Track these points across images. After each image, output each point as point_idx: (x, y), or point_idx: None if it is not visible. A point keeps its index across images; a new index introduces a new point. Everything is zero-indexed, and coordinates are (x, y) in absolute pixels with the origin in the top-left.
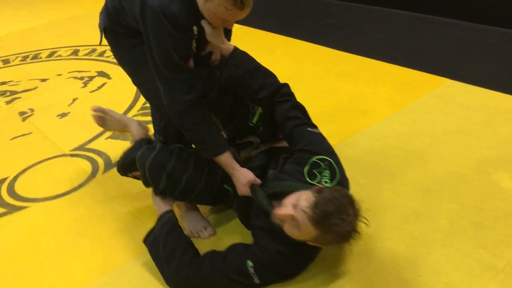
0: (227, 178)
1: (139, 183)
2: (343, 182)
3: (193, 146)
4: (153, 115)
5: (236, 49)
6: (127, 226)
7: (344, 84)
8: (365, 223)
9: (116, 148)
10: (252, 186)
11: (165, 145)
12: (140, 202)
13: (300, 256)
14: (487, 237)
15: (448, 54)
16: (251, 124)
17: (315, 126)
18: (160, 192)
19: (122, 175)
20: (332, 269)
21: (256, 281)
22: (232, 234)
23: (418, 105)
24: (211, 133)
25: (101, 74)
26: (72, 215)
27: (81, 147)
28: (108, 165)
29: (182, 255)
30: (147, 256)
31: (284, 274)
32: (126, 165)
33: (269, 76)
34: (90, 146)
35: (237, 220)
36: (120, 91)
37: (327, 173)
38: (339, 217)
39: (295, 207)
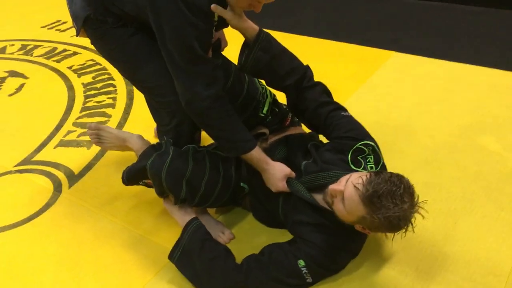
0: (241, 175)
1: (117, 191)
2: (384, 166)
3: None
4: (158, 114)
5: (261, 31)
6: (127, 242)
7: None
8: (422, 215)
9: (72, 156)
10: (289, 180)
11: (177, 147)
12: (129, 212)
13: (350, 246)
14: (500, 200)
15: (387, 28)
16: (262, 115)
17: (345, 109)
18: (181, 200)
19: (128, 184)
20: (376, 250)
21: (309, 280)
22: (252, 235)
23: (378, 80)
24: (239, 128)
25: (13, 73)
26: (51, 241)
27: (26, 161)
28: (72, 177)
29: (225, 264)
30: (169, 271)
31: (336, 268)
32: (134, 174)
33: (294, 59)
34: (37, 158)
35: (250, 218)
36: (47, 91)
37: (371, 158)
38: (391, 200)
39: (347, 182)
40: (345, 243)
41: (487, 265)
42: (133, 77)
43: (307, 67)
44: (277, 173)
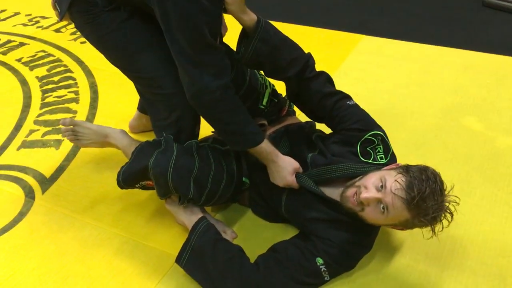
0: (242, 170)
1: (98, 193)
2: (394, 155)
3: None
4: (154, 108)
5: (260, 20)
6: (120, 250)
7: None
8: (457, 202)
9: (40, 158)
10: (297, 175)
11: (178, 143)
12: (116, 216)
13: (367, 240)
14: (495, 179)
15: (354, 10)
16: (261, 107)
17: (350, 97)
18: (188, 200)
19: (124, 188)
20: (385, 240)
21: (326, 278)
22: (255, 232)
23: (353, 64)
24: (248, 120)
25: None
26: (32, 254)
27: None
28: (44, 181)
29: (241, 265)
30: (174, 278)
31: (353, 264)
32: (133, 175)
33: (295, 48)
34: None
35: (249, 214)
36: None
37: (380, 148)
38: (434, 198)
39: (380, 189)
40: (361, 238)
41: (496, 246)
42: (127, 67)
43: (309, 55)
44: (288, 166)
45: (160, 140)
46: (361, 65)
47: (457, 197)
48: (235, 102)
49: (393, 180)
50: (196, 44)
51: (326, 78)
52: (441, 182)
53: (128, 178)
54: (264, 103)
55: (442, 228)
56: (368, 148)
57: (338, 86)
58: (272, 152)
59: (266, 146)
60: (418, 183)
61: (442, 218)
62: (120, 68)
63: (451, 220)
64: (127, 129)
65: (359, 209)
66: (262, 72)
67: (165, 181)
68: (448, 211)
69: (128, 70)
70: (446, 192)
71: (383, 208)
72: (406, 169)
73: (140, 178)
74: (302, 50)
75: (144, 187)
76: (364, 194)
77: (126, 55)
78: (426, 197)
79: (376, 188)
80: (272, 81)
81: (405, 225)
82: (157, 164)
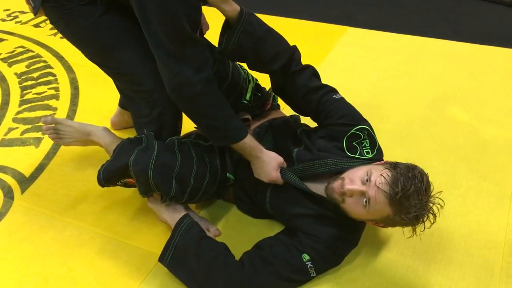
0: (226, 166)
1: (79, 192)
2: (380, 149)
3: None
4: (135, 105)
5: (243, 10)
6: (102, 250)
7: None
8: (441, 205)
9: (19, 157)
10: (282, 170)
11: (160, 139)
12: (98, 216)
13: (353, 236)
14: (481, 170)
15: (337, 2)
16: (245, 102)
17: (336, 91)
18: (170, 198)
19: (105, 186)
20: (371, 235)
21: (313, 275)
22: (240, 229)
23: (337, 56)
24: (231, 115)
25: None
26: (11, 256)
27: None
28: (23, 180)
29: (225, 263)
30: (157, 277)
31: (339, 260)
32: (114, 173)
33: (280, 40)
34: None
35: (234, 210)
36: None
37: (367, 142)
38: (418, 197)
39: (365, 182)
40: (347, 234)
41: (482, 238)
42: (105, 63)
43: (294, 49)
44: (272, 162)
45: (141, 137)
46: (346, 57)
47: (442, 200)
48: (217, 96)
49: (378, 174)
50: (175, 36)
51: (311, 72)
52: (428, 182)
53: (108, 176)
54: (247, 98)
55: (424, 228)
56: (354, 143)
57: (323, 79)
58: (256, 147)
59: (249, 141)
60: (404, 180)
61: (425, 218)
62: (98, 64)
63: (433, 222)
64: (108, 126)
65: (341, 200)
66: (245, 66)
67: (146, 179)
68: (432, 212)
69: (106, 66)
70: (432, 194)
71: (366, 201)
72: (394, 166)
73: (121, 176)
74: (287, 43)
75: (126, 185)
76: (348, 186)
77: (103, 51)
78: (410, 195)
79: (361, 181)
80: (256, 74)
81: (386, 222)
82: (138, 162)
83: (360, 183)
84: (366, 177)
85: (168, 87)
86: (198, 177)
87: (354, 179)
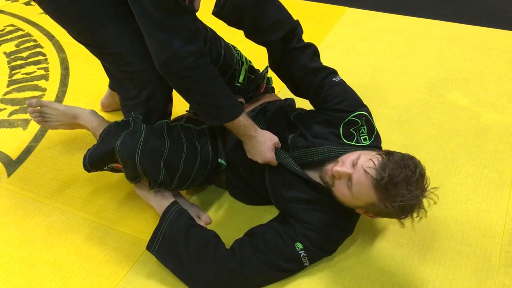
0: (218, 151)
1: (67, 176)
2: (378, 135)
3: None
4: (122, 86)
5: None
6: (89, 236)
7: None
8: (434, 201)
9: (6, 139)
10: (277, 151)
11: (149, 123)
12: (86, 201)
13: (347, 224)
14: (481, 157)
15: None
16: (238, 84)
17: (336, 73)
18: (159, 184)
19: (92, 171)
20: (368, 223)
21: (306, 264)
22: (232, 215)
23: (336, 37)
24: (225, 91)
25: None
26: None
27: None
28: (9, 163)
29: (215, 252)
30: (146, 264)
31: (334, 248)
32: (100, 158)
33: (282, 10)
34: None
35: (226, 196)
36: None
37: (364, 129)
38: (407, 187)
39: (355, 165)
40: (342, 222)
41: (480, 226)
42: (90, 42)
43: (297, 23)
44: (267, 141)
45: (129, 120)
46: (345, 39)
47: (437, 195)
48: (209, 71)
49: (368, 158)
50: (161, 3)
51: (313, 51)
52: (421, 174)
53: (94, 161)
54: (240, 80)
55: (412, 221)
56: (351, 129)
57: (322, 61)
58: (251, 126)
59: (244, 119)
60: (393, 167)
61: (415, 211)
62: (83, 43)
63: (422, 217)
64: (99, 108)
65: (331, 183)
66: (239, 44)
67: (133, 164)
68: (422, 206)
69: (91, 46)
70: (426, 187)
71: (351, 185)
72: (388, 153)
73: (108, 161)
74: (289, 14)
75: (113, 169)
76: (337, 167)
77: (88, 30)
78: (398, 183)
79: (352, 165)
80: (249, 56)
81: (372, 210)
82: (124, 147)
83: (350, 166)
84: (357, 161)
85: (156, 62)
86: (188, 163)
87: (345, 162)
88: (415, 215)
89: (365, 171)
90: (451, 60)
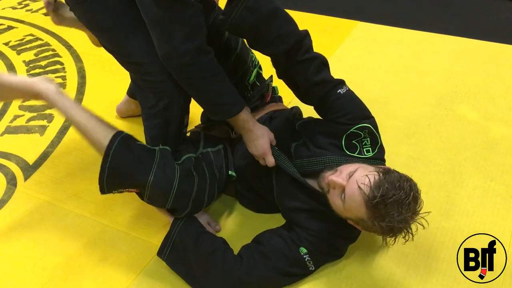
0: (229, 163)
1: (81, 181)
2: (382, 147)
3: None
4: (143, 95)
5: None
6: (102, 239)
7: None
8: (423, 226)
9: (24, 145)
10: (274, 152)
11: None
12: (100, 205)
13: (349, 233)
14: (488, 170)
15: None
16: (247, 84)
17: (343, 83)
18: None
19: (106, 193)
20: None
21: (311, 268)
22: (241, 223)
23: (346, 51)
24: (224, 89)
25: None
26: (10, 243)
27: None
28: (26, 168)
29: (223, 258)
30: (157, 268)
31: (338, 253)
32: (119, 181)
33: (288, 23)
34: None
35: (235, 204)
36: None
37: (367, 141)
38: (397, 209)
39: (350, 178)
40: (343, 231)
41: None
42: (117, 50)
43: (305, 34)
44: (264, 136)
45: (154, 150)
46: (355, 52)
47: (427, 221)
48: (209, 69)
49: (364, 174)
50: None
51: (319, 63)
52: (415, 198)
53: (114, 181)
54: (251, 79)
55: (394, 242)
56: (354, 141)
57: (332, 74)
58: (250, 120)
59: (244, 114)
60: (388, 187)
61: (402, 233)
62: (110, 51)
63: (408, 239)
64: (114, 114)
65: (326, 190)
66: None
67: (163, 202)
68: (410, 230)
69: (117, 54)
70: (418, 211)
71: (343, 196)
72: (387, 171)
73: (125, 184)
74: (296, 27)
75: (121, 192)
76: (333, 177)
77: (116, 38)
78: (389, 204)
79: (348, 176)
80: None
81: (361, 224)
82: (158, 186)
83: (346, 178)
84: (354, 174)
85: (159, 55)
86: (210, 195)
87: (343, 172)
88: (401, 236)
89: (358, 186)
90: (459, 74)
